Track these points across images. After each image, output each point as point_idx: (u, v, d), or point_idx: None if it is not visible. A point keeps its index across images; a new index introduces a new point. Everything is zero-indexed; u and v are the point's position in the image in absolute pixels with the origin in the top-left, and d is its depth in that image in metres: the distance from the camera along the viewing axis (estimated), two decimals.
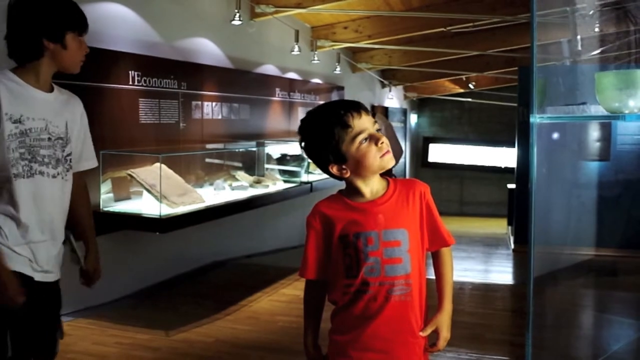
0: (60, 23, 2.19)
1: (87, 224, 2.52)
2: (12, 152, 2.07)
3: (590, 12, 3.40)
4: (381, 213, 1.83)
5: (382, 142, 1.79)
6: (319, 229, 1.88)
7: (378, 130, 1.82)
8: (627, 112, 1.70)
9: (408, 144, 14.67)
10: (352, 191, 1.87)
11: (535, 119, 1.74)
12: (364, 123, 1.79)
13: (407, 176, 14.63)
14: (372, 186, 1.86)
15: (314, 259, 1.90)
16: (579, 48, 3.43)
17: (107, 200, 4.61)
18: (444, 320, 1.92)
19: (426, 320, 1.91)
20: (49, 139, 2.19)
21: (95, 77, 4.54)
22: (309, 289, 1.97)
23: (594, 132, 6.71)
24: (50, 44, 2.16)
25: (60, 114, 2.28)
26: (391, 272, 1.81)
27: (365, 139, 1.78)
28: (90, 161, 2.46)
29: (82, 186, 2.46)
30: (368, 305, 1.82)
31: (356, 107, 1.81)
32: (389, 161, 1.83)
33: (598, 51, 3.24)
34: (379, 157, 1.80)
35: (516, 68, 9.07)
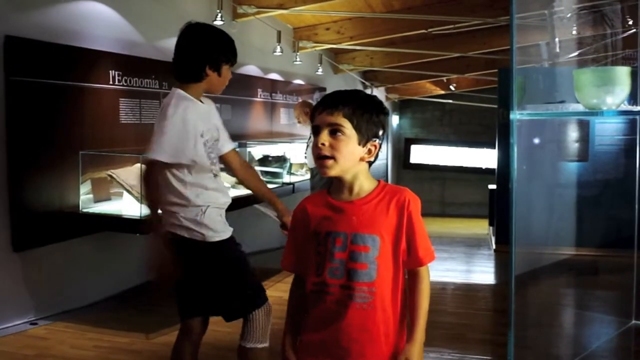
0: (221, 55, 2.68)
1: (261, 191, 2.93)
2: (209, 159, 2.64)
3: (568, 15, 3.44)
4: (356, 215, 1.77)
5: (322, 144, 1.74)
6: (298, 222, 1.87)
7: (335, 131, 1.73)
8: (605, 108, 1.72)
9: (390, 145, 14.72)
10: (336, 187, 1.83)
11: (515, 115, 1.74)
12: (322, 119, 1.75)
13: (389, 177, 14.68)
14: (353, 185, 1.80)
15: (291, 251, 1.89)
16: (557, 50, 3.47)
17: (87, 201, 4.57)
18: (414, 351, 1.76)
19: (399, 333, 1.80)
20: (213, 143, 2.70)
21: (76, 76, 4.49)
22: (292, 285, 1.93)
23: (572, 133, 6.79)
24: (210, 71, 2.64)
25: (212, 119, 2.73)
26: (354, 277, 1.74)
27: (315, 134, 1.76)
28: (227, 144, 2.85)
29: (242, 164, 2.95)
30: (329, 307, 1.76)
31: (324, 103, 1.77)
32: (320, 168, 1.77)
33: (576, 53, 3.27)
34: (314, 157, 1.77)
35: (496, 70, 9.13)
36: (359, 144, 1.76)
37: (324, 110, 1.75)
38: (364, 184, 1.80)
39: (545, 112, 2.13)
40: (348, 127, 1.73)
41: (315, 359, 1.80)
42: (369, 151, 1.78)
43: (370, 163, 1.83)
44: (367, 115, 1.75)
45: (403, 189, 1.82)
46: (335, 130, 1.74)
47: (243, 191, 5.69)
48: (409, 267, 1.79)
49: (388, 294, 1.75)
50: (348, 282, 1.74)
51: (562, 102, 2.13)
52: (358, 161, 1.78)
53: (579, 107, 1.88)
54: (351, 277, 1.74)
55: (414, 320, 1.78)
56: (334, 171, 1.76)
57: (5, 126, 4.00)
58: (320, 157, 1.75)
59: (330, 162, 1.74)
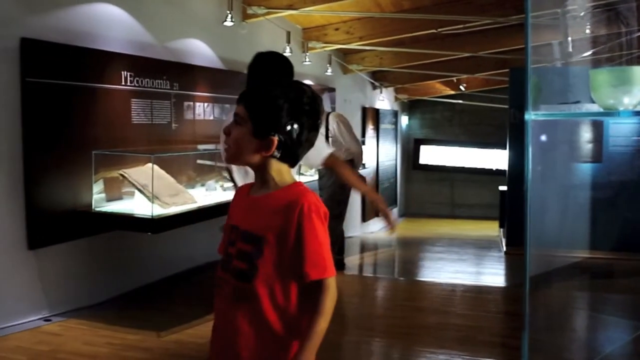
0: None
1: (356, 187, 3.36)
2: None
3: (582, 14, 3.42)
4: (250, 211, 1.72)
5: (227, 137, 1.71)
6: (231, 205, 1.85)
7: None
8: (621, 108, 1.71)
9: (399, 146, 14.69)
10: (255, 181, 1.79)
11: (530, 116, 1.73)
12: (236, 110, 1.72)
13: (398, 178, 14.66)
14: (262, 180, 1.73)
15: (224, 236, 1.84)
16: (570, 49, 3.45)
17: (99, 200, 4.59)
18: None
19: (286, 349, 1.67)
20: None
21: (89, 77, 4.52)
22: None
23: (585, 134, 6.75)
24: None
25: None
26: (235, 274, 1.68)
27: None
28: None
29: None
30: (217, 302, 1.74)
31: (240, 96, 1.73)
32: (226, 159, 1.73)
33: (589, 52, 3.25)
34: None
35: (507, 70, 9.10)
36: (255, 136, 1.67)
37: (238, 103, 1.72)
38: (272, 181, 1.71)
39: (562, 113, 2.12)
40: (243, 117, 1.68)
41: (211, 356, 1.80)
42: (268, 146, 1.67)
43: (288, 162, 1.73)
44: (267, 103, 1.66)
45: (306, 194, 1.68)
46: (235, 120, 1.71)
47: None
48: (298, 280, 1.65)
49: (270, 302, 1.64)
50: (230, 278, 1.69)
51: (577, 102, 2.13)
52: (254, 154, 1.69)
53: (594, 107, 1.87)
54: (233, 274, 1.69)
55: (302, 341, 1.63)
56: (230, 160, 1.74)
57: (21, 126, 4.03)
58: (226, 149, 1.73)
59: (227, 149, 1.72)
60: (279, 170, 1.72)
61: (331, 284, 1.66)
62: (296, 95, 1.68)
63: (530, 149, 1.77)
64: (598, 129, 6.86)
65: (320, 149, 3.47)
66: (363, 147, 7.66)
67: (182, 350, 3.87)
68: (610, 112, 1.74)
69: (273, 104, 1.65)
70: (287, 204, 1.65)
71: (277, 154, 1.68)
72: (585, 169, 6.87)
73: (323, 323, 1.63)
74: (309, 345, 1.61)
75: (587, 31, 3.46)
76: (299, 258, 1.63)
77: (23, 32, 4.02)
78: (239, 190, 1.89)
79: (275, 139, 1.66)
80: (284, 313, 1.65)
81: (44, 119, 4.18)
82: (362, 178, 6.77)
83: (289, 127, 1.66)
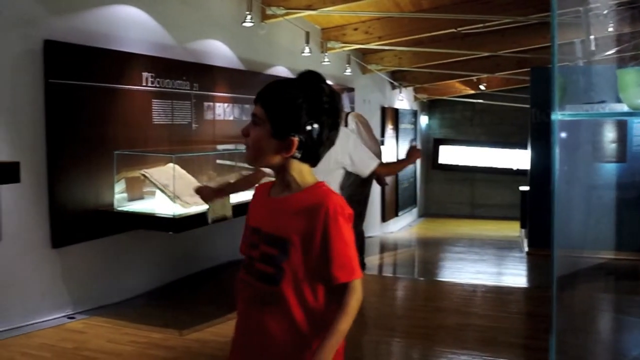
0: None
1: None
2: None
3: (605, 12, 3.38)
4: (273, 214, 1.69)
5: (243, 133, 1.68)
6: (249, 206, 1.82)
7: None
8: None
9: (419, 145, 14.63)
10: (275, 181, 1.76)
11: (557, 116, 1.71)
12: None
13: (418, 178, 14.61)
14: (283, 181, 1.70)
15: (243, 235, 1.81)
16: (593, 48, 3.42)
17: (121, 199, 4.64)
18: None
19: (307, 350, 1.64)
20: None
21: (110, 78, 4.57)
22: None
23: (609, 134, 6.66)
24: None
25: None
26: (260, 278, 1.65)
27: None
28: None
29: None
30: (240, 305, 1.72)
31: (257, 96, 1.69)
32: (246, 161, 1.70)
33: (613, 51, 3.22)
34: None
35: (528, 69, 9.02)
36: (274, 136, 1.64)
37: (254, 101, 1.69)
38: (294, 183, 1.68)
39: (590, 113, 2.10)
40: (262, 117, 1.64)
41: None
42: (288, 147, 1.64)
43: (310, 163, 1.70)
44: (286, 102, 1.63)
45: (331, 196, 1.65)
46: (253, 120, 1.67)
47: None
48: (325, 282, 1.63)
49: (298, 304, 1.62)
50: (254, 281, 1.66)
51: (602, 102, 2.10)
52: (274, 155, 1.65)
53: (619, 107, 1.85)
54: (257, 278, 1.65)
55: (324, 339, 1.60)
56: (250, 161, 1.71)
57: (44, 127, 4.08)
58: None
59: (247, 151, 1.69)
60: (300, 171, 1.68)
61: (357, 285, 1.64)
62: (315, 94, 1.64)
63: (557, 150, 1.74)
64: (622, 128, 6.77)
65: (369, 163, 3.70)
66: (382, 147, 7.64)
67: (204, 349, 3.89)
68: (639, 112, 1.71)
69: (292, 104, 1.62)
70: (311, 205, 1.62)
71: (297, 154, 1.64)
72: (609, 169, 6.79)
73: (346, 323, 1.62)
74: (329, 343, 1.59)
75: (610, 29, 3.42)
76: (325, 261, 1.60)
77: (46, 34, 4.07)
78: (258, 190, 1.84)
79: (296, 139, 1.62)
80: (312, 314, 1.63)
81: (67, 120, 4.23)
82: (382, 178, 6.76)
83: (308, 127, 1.62)
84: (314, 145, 1.65)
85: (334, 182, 3.60)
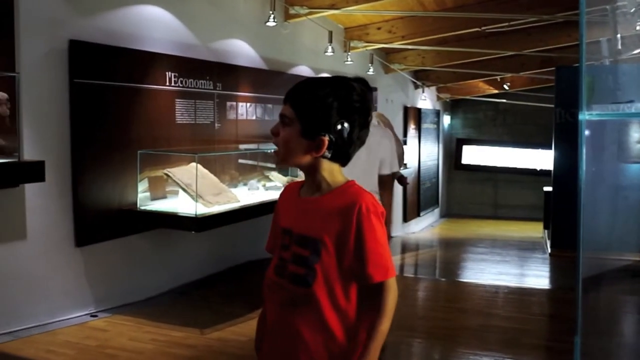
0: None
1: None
2: None
3: (632, 10, 3.33)
4: (304, 214, 1.66)
5: (272, 134, 1.66)
6: (276, 206, 1.80)
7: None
8: None
9: (441, 145, 14.55)
10: (305, 182, 1.73)
11: (584, 116, 1.67)
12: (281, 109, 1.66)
13: (440, 178, 14.52)
14: (313, 182, 1.67)
15: (271, 234, 1.81)
16: (620, 47, 3.36)
17: (144, 199, 4.68)
18: None
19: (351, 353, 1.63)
20: None
21: (135, 78, 4.61)
22: None
23: (635, 134, 6.55)
24: None
25: None
26: (292, 279, 1.62)
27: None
28: None
29: None
30: (270, 307, 1.69)
31: (287, 95, 1.66)
32: (275, 161, 1.67)
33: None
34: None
35: (553, 68, 8.91)
36: (304, 136, 1.61)
37: (285, 102, 1.66)
38: (324, 183, 1.66)
39: (618, 113, 2.05)
40: (291, 117, 1.62)
41: None
42: (318, 147, 1.62)
43: (340, 162, 1.68)
44: (316, 102, 1.61)
45: (363, 195, 1.62)
46: (282, 121, 1.64)
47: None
48: (360, 282, 1.61)
49: (330, 306, 1.60)
50: (287, 284, 1.63)
51: (630, 101, 2.06)
52: (304, 155, 1.63)
53: None
54: (290, 280, 1.63)
55: (365, 341, 1.60)
56: (280, 162, 1.66)
57: (69, 126, 4.13)
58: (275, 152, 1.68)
59: (276, 151, 1.66)
60: (331, 171, 1.66)
61: (393, 284, 1.62)
62: (346, 93, 1.63)
63: (584, 150, 1.70)
64: None
65: (393, 164, 3.79)
66: (405, 147, 7.60)
67: (225, 348, 3.90)
68: None
69: (322, 103, 1.60)
70: (344, 205, 1.60)
71: (327, 154, 1.62)
72: (635, 170, 6.68)
73: (386, 324, 1.61)
74: (373, 346, 1.58)
75: (638, 28, 3.36)
76: (360, 260, 1.58)
77: (71, 34, 4.12)
78: (287, 190, 1.82)
79: (326, 138, 1.60)
80: (345, 315, 1.62)
81: (91, 119, 4.28)
82: (404, 178, 6.74)
83: (339, 126, 1.60)
84: (344, 145, 1.63)
85: (373, 182, 3.65)
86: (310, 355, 1.62)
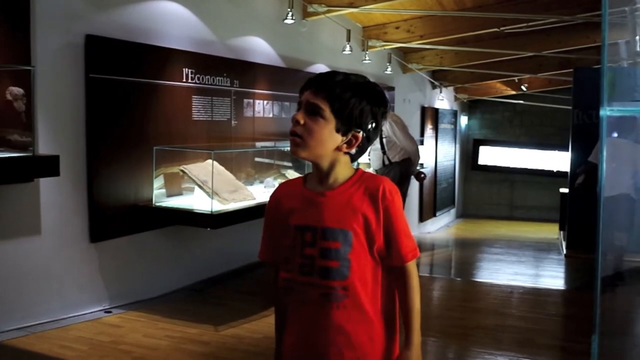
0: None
1: None
2: None
3: None
4: (326, 207, 1.64)
5: (297, 121, 1.62)
6: (271, 212, 1.77)
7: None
8: None
9: (458, 146, 14.48)
10: (312, 175, 1.72)
11: (606, 111, 1.64)
12: (306, 96, 1.64)
13: (457, 179, 14.46)
14: (329, 175, 1.67)
15: (265, 241, 1.80)
16: (638, 49, 3.32)
17: (160, 195, 4.69)
18: (411, 356, 1.67)
19: (388, 337, 1.69)
20: None
21: (151, 74, 4.62)
22: (273, 274, 1.80)
23: None
24: None
25: None
26: (325, 274, 1.61)
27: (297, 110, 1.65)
28: None
29: None
30: (300, 307, 1.66)
31: (313, 81, 1.65)
32: (291, 148, 1.65)
33: None
34: (290, 131, 1.65)
35: (571, 70, 8.84)
36: (337, 132, 1.63)
37: (310, 88, 1.63)
38: (340, 175, 1.67)
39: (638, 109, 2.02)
40: (327, 111, 1.61)
41: None
42: (350, 142, 1.65)
43: (352, 156, 1.69)
44: (354, 101, 1.62)
45: (381, 178, 1.67)
46: (314, 111, 1.61)
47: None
48: (391, 265, 1.66)
49: (365, 293, 1.63)
50: (319, 280, 1.62)
51: None
52: (333, 150, 1.64)
53: None
54: (322, 275, 1.61)
55: (407, 324, 1.68)
56: (302, 153, 1.64)
57: (85, 121, 4.15)
58: (292, 134, 1.64)
59: (299, 140, 1.62)
60: (347, 163, 1.69)
61: (413, 263, 1.69)
62: (376, 92, 1.68)
63: (605, 147, 1.67)
64: None
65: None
66: (420, 146, 7.57)
67: (240, 344, 3.90)
68: None
69: (360, 102, 1.63)
70: (367, 192, 1.64)
71: (354, 150, 1.67)
72: None
73: (419, 301, 1.69)
74: (417, 326, 1.69)
75: None
76: (392, 243, 1.64)
77: (88, 29, 4.13)
78: (282, 190, 1.80)
79: (360, 135, 1.64)
80: (376, 300, 1.66)
81: (107, 115, 4.29)
82: (421, 173, 6.74)
83: (369, 126, 1.66)
84: (368, 142, 1.69)
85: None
86: (352, 347, 1.62)
